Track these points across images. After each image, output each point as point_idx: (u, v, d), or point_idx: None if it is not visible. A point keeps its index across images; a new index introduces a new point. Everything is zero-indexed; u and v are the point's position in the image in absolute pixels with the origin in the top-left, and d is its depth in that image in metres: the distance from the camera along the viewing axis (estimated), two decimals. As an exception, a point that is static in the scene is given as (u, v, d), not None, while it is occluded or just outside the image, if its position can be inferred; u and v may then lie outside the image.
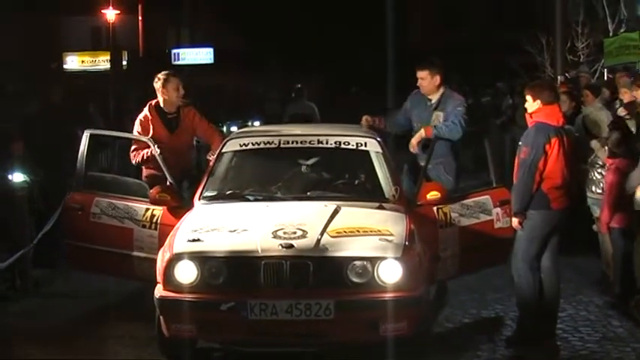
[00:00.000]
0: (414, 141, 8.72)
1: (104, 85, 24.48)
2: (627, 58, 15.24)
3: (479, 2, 22.82)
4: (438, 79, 8.85)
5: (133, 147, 8.77)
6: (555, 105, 7.40)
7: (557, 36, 12.94)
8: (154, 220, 7.79)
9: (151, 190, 7.75)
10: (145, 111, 8.89)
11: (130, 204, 7.91)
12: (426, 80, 8.85)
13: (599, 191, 8.98)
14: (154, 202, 7.75)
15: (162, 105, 8.89)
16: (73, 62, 39.85)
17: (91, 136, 8.30)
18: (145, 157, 8.54)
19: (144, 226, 7.82)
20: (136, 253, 7.84)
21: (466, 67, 27.77)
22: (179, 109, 8.92)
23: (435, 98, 8.88)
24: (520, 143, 7.44)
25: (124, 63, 33.26)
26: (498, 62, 25.88)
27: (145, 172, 8.87)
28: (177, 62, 35.21)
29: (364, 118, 8.91)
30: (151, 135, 8.62)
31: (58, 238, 8.64)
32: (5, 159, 9.57)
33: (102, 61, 37.90)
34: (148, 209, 7.83)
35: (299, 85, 17.42)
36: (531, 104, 7.40)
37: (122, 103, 16.10)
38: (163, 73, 9.00)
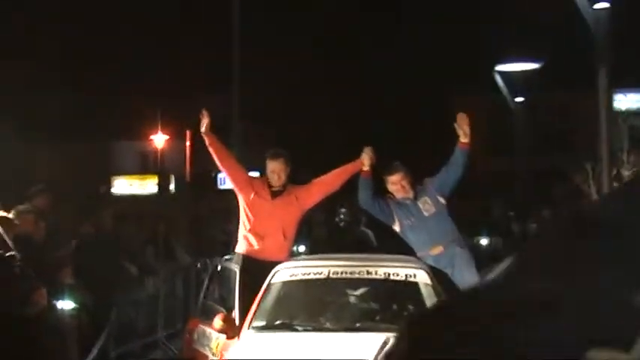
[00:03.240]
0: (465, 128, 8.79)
1: (152, 209, 24.79)
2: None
3: (523, 129, 23.04)
4: (410, 177, 9.07)
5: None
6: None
7: (604, 164, 12.87)
8: (218, 348, 7.91)
9: (215, 318, 7.76)
10: (259, 177, 9.35)
11: (210, 331, 8.08)
12: (405, 179, 9.03)
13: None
14: (218, 331, 7.78)
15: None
16: (122, 186, 40.49)
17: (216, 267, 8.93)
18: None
19: (213, 355, 7.98)
20: None
21: (511, 193, 27.82)
22: (286, 186, 9.14)
23: (410, 194, 9.04)
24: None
25: (172, 187, 33.71)
26: (543, 189, 25.91)
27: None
28: (222, 186, 35.55)
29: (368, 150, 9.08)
30: (252, 196, 8.96)
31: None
32: (55, 286, 9.63)
33: (150, 185, 38.46)
34: (217, 337, 7.93)
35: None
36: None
37: (172, 228, 16.27)
38: (270, 151, 9.28)
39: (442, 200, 9.02)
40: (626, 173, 20.42)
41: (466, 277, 8.75)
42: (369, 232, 18.26)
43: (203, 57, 33.94)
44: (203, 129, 9.15)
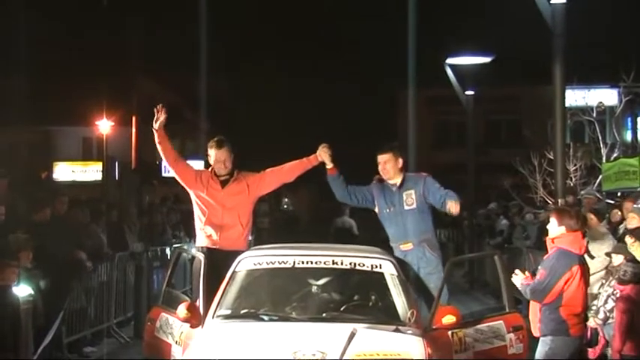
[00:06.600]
0: (456, 208, 8.73)
1: (99, 196, 24.51)
2: (627, 184, 15.30)
3: (473, 122, 23.14)
4: (400, 161, 9.03)
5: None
6: (579, 232, 7.40)
7: (558, 159, 12.89)
8: (182, 337, 7.78)
9: (179, 307, 7.64)
10: (205, 169, 9.30)
11: (174, 319, 7.96)
12: (390, 163, 8.97)
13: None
14: (182, 320, 7.66)
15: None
16: (63, 172, 39.83)
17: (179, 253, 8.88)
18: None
19: (177, 343, 7.86)
20: None
21: (458, 187, 28.01)
22: (233, 172, 9.13)
23: (398, 181, 9.01)
24: (539, 267, 7.44)
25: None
26: (490, 183, 26.09)
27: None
28: (166, 174, 35.31)
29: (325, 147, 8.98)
30: (204, 192, 9.02)
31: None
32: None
33: (92, 171, 37.99)
34: (181, 326, 7.82)
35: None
36: (555, 228, 7.38)
37: (123, 215, 16.11)
38: (213, 140, 9.18)
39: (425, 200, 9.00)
40: (571, 168, 20.66)
41: (431, 282, 8.78)
42: (352, 222, 18.58)
43: (153, 42, 33.65)
44: (156, 125, 9.03)
